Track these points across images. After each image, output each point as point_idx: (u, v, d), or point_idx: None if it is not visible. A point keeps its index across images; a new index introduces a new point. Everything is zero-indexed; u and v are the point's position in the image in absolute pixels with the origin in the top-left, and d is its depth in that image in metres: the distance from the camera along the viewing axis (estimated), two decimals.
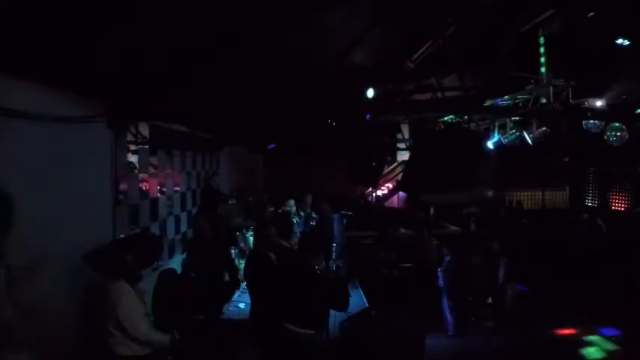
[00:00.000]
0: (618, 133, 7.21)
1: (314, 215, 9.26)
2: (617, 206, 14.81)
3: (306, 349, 4.06)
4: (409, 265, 9.18)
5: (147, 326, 3.70)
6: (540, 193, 16.24)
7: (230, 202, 8.71)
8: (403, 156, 14.56)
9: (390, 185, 15.70)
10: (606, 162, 14.60)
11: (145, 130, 6.05)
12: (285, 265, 4.63)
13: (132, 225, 5.61)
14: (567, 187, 16.75)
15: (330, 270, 6.00)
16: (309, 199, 9.64)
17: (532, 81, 6.78)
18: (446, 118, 8.74)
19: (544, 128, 7.59)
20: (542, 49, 6.29)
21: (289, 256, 4.72)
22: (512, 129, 7.94)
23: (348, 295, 4.45)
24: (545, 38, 6.19)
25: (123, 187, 5.17)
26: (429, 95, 7.67)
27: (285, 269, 4.55)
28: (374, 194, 15.43)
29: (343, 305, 4.34)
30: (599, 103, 7.00)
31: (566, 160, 14.84)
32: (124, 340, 3.59)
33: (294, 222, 8.64)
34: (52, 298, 3.70)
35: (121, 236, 4.80)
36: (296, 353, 4.06)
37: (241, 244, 7.58)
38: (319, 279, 4.32)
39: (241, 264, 6.62)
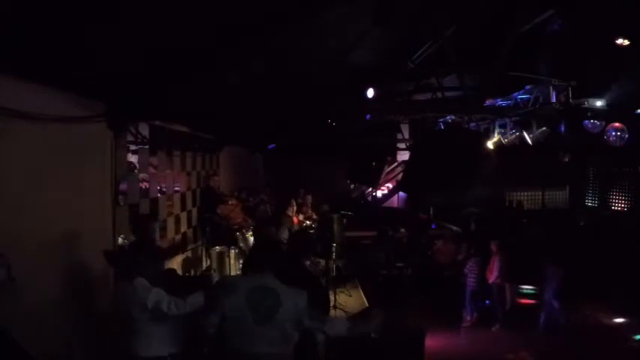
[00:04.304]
0: (618, 133, 7.20)
1: (315, 217, 9.26)
2: (617, 206, 14.79)
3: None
4: (409, 265, 9.17)
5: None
6: (540, 193, 16.22)
7: (230, 202, 8.71)
8: (403, 156, 14.55)
9: (390, 185, 15.70)
10: (606, 162, 14.57)
11: (145, 130, 6.05)
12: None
13: (132, 225, 5.60)
14: (567, 187, 16.74)
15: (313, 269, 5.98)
16: (308, 199, 9.64)
17: (532, 81, 6.79)
18: (446, 118, 8.75)
19: (544, 128, 7.59)
20: (542, 49, 6.29)
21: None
22: (512, 129, 7.94)
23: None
24: (545, 38, 6.19)
25: (123, 187, 5.17)
26: (429, 95, 7.68)
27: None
28: (373, 194, 15.44)
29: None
30: (599, 103, 7.00)
31: (566, 160, 14.80)
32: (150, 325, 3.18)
33: None
34: (53, 297, 3.70)
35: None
36: None
37: (241, 244, 7.57)
38: (309, 277, 4.35)
39: None
